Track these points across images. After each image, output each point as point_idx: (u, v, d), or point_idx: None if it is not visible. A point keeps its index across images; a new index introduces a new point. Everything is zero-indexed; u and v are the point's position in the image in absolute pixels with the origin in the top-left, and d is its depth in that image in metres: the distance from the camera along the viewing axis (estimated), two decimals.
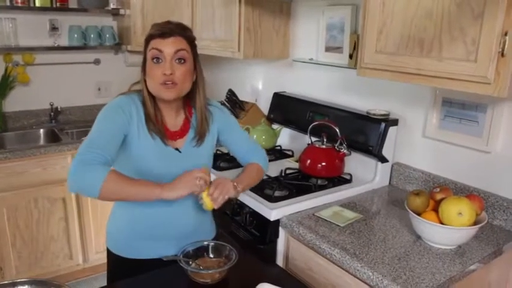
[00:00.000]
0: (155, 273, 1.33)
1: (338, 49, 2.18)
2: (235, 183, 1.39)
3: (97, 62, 3.23)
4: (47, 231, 2.61)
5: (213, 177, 1.95)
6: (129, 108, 1.32)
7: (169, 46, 1.28)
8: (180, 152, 1.40)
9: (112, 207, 1.50)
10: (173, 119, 1.41)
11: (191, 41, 1.35)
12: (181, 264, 1.28)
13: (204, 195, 1.32)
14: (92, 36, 3.07)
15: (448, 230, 1.37)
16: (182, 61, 1.31)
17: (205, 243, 1.40)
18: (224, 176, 1.72)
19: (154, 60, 1.30)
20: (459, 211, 1.34)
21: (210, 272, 1.29)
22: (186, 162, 1.38)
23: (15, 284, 1.14)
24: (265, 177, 1.96)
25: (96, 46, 3.10)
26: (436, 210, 1.44)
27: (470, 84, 1.31)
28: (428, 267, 1.33)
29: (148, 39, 1.32)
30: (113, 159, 1.26)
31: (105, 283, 1.47)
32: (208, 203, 1.32)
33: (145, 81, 1.34)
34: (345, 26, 2.12)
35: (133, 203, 1.37)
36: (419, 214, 1.44)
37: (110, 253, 1.49)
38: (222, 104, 2.61)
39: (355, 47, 2.02)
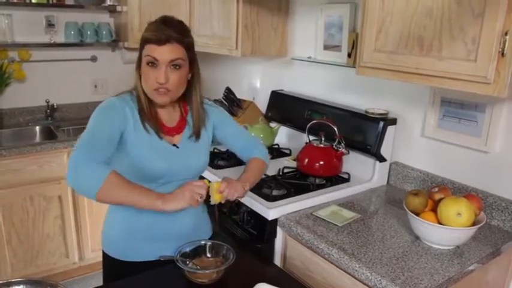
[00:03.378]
0: (152, 273, 1.32)
1: (336, 47, 2.17)
2: (243, 185, 1.38)
3: (94, 59, 3.21)
4: (42, 230, 2.59)
5: (211, 176, 1.94)
6: (123, 107, 1.30)
7: (165, 54, 1.25)
8: (177, 147, 1.39)
9: (107, 208, 1.48)
10: (169, 115, 1.40)
11: (189, 46, 1.31)
12: (178, 264, 1.27)
13: (214, 190, 1.30)
14: (89, 33, 3.04)
15: (447, 231, 1.37)
16: (178, 67, 1.29)
17: (203, 242, 1.39)
18: (222, 174, 1.70)
19: (150, 64, 1.27)
20: (458, 211, 1.34)
21: (207, 272, 1.28)
22: (185, 158, 1.38)
23: (10, 284, 1.12)
24: (263, 176, 1.95)
25: (93, 43, 3.07)
26: (434, 210, 1.43)
27: (470, 84, 1.30)
28: (426, 267, 1.32)
29: (144, 41, 1.28)
30: (110, 160, 1.26)
31: (101, 282, 1.46)
32: (217, 196, 1.31)
33: (140, 76, 1.32)
34: (343, 24, 2.11)
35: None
36: (417, 214, 1.44)
37: (106, 256, 1.46)
38: (220, 102, 2.61)
39: (353, 45, 2.00)
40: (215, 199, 1.32)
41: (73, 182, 1.17)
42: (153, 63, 1.26)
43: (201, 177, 1.52)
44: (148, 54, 1.26)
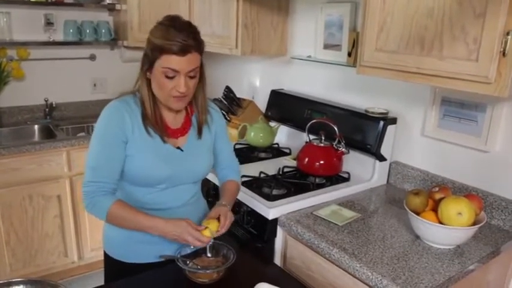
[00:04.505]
0: (153, 273, 1.32)
1: (336, 47, 2.16)
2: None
3: (93, 57, 3.20)
4: (41, 229, 2.58)
5: (210, 175, 1.93)
6: (122, 115, 1.29)
7: (185, 65, 1.23)
8: (182, 150, 1.38)
9: None
10: (173, 117, 1.39)
11: (203, 50, 1.30)
12: (178, 264, 1.26)
13: (212, 227, 1.30)
14: (88, 31, 3.03)
15: (448, 230, 1.37)
16: (193, 75, 1.28)
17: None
18: None
19: (168, 75, 1.24)
20: (459, 211, 1.34)
21: (208, 271, 1.28)
22: (189, 162, 1.38)
23: (10, 283, 1.12)
24: (262, 175, 1.96)
25: (92, 41, 3.06)
26: (435, 210, 1.43)
27: (471, 83, 1.30)
28: (427, 267, 1.32)
29: (161, 51, 1.21)
30: (117, 182, 1.32)
31: (100, 281, 1.45)
32: (212, 234, 1.30)
33: (147, 80, 1.30)
34: (343, 24, 2.10)
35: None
36: (418, 214, 1.44)
37: (107, 257, 1.46)
38: (220, 101, 2.60)
39: (353, 44, 2.00)
40: (212, 234, 1.30)
41: (88, 211, 1.30)
42: (171, 75, 1.24)
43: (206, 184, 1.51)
44: (167, 67, 1.22)
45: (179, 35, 1.20)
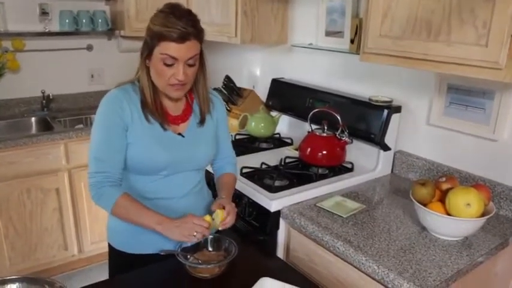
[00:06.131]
0: (154, 267, 1.29)
1: (339, 33, 2.11)
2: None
3: (89, 48, 3.14)
4: (40, 223, 2.55)
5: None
6: (121, 103, 1.27)
7: (184, 52, 1.20)
8: (183, 136, 1.35)
9: None
10: (174, 104, 1.36)
11: (203, 38, 1.27)
12: (179, 259, 1.23)
13: (218, 218, 1.29)
14: (84, 21, 2.97)
15: (456, 222, 1.33)
16: (192, 63, 1.25)
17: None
18: None
19: (167, 62, 1.21)
20: (467, 202, 1.29)
21: (209, 266, 1.25)
22: (190, 147, 1.36)
23: (4, 281, 1.08)
24: (264, 166, 1.91)
25: (89, 31, 3.00)
26: (442, 200, 1.39)
27: (480, 69, 1.25)
28: (435, 259, 1.28)
29: (160, 38, 1.19)
30: (121, 172, 1.30)
31: (100, 274, 1.44)
32: (217, 225, 1.30)
33: (146, 68, 1.27)
34: (346, 9, 2.05)
35: (134, 196, 1.32)
36: (425, 205, 1.40)
37: (111, 248, 1.45)
38: (219, 91, 2.55)
39: (356, 31, 1.94)
40: (216, 226, 1.30)
41: (95, 202, 1.29)
42: (170, 62, 1.21)
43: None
44: (166, 53, 1.20)
45: (178, 22, 1.18)
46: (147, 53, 1.25)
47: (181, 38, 1.18)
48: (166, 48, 1.20)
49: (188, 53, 1.21)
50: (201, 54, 1.29)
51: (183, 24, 1.18)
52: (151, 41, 1.22)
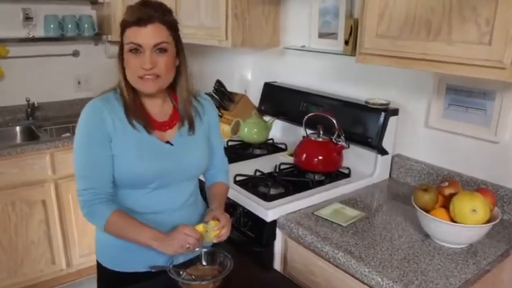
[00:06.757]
0: (145, 285, 1.22)
1: (332, 35, 2.05)
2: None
3: (76, 53, 3.05)
4: (26, 236, 2.44)
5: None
6: (101, 114, 1.20)
7: (148, 37, 1.14)
8: (171, 145, 1.28)
9: None
10: (159, 108, 1.29)
11: (173, 26, 1.20)
12: (171, 275, 1.15)
13: (212, 229, 1.23)
14: (70, 26, 2.89)
15: (461, 229, 1.27)
16: (163, 50, 1.18)
17: (197, 249, 1.27)
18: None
19: (133, 51, 1.16)
20: (473, 208, 1.24)
21: (203, 283, 1.17)
22: (180, 157, 1.28)
23: None
24: (258, 173, 1.84)
25: (75, 37, 2.92)
26: (445, 206, 1.34)
27: (483, 69, 1.20)
28: (440, 269, 1.22)
29: (124, 25, 1.16)
30: (111, 186, 1.23)
31: (90, 287, 1.35)
32: (212, 237, 1.24)
33: (123, 69, 1.21)
34: (339, 10, 1.99)
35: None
36: (427, 211, 1.34)
37: (100, 267, 1.36)
38: (210, 95, 2.48)
39: (351, 32, 1.89)
40: (210, 238, 1.23)
41: (88, 220, 1.24)
42: (136, 49, 1.16)
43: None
44: (130, 41, 1.15)
45: (142, 7, 1.15)
46: (120, 50, 1.20)
47: (143, 21, 1.13)
48: (130, 35, 1.15)
49: (153, 39, 1.15)
50: (178, 50, 1.23)
51: (149, 9, 1.14)
52: (120, 35, 1.19)
